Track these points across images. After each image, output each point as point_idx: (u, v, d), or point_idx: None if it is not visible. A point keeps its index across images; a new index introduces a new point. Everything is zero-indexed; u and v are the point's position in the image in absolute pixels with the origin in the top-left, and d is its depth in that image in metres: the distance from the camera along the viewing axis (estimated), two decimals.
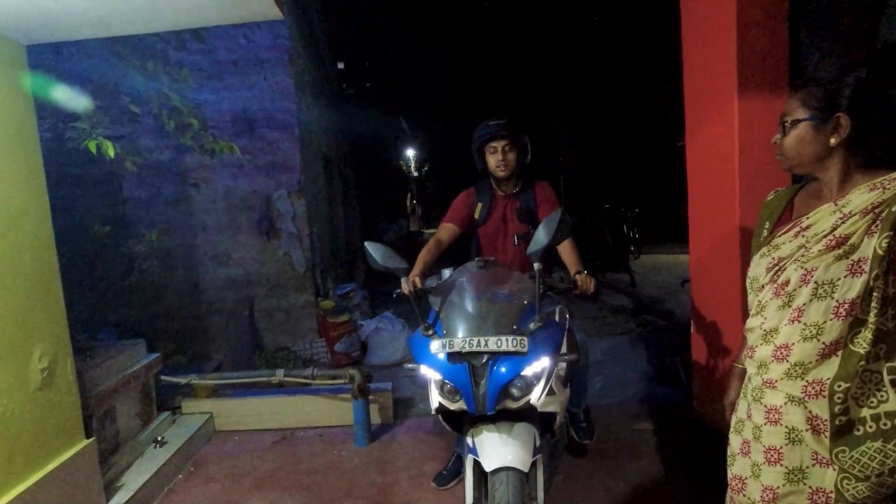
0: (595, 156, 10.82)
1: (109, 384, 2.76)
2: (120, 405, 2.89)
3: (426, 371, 1.73)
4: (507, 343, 1.60)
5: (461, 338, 1.64)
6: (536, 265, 1.71)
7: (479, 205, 2.50)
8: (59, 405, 2.24)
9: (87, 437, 2.41)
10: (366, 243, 1.91)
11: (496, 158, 2.39)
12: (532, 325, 1.67)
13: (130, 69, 2.67)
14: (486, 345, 1.60)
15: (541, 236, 1.68)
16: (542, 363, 1.66)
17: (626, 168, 13.07)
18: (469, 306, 1.74)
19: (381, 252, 1.87)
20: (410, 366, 1.84)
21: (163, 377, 3.36)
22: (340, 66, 9.20)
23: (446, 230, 2.47)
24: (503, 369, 1.61)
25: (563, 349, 1.84)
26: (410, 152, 23.35)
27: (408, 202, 21.80)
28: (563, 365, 1.87)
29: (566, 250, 2.27)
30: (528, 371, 1.63)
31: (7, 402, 1.97)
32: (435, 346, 1.66)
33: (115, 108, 3.11)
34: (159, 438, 3.07)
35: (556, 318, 1.94)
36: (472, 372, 1.61)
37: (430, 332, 1.74)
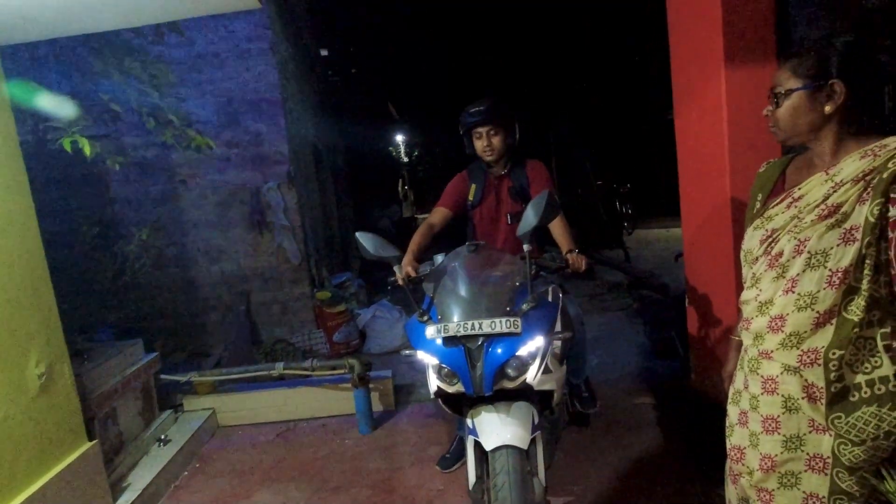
0: (587, 132, 10.77)
1: (109, 385, 2.75)
2: (121, 406, 2.89)
3: (423, 356, 1.76)
4: (500, 325, 1.62)
5: (456, 322, 1.66)
6: (526, 246, 1.73)
7: (473, 186, 2.51)
8: (60, 409, 2.24)
9: (90, 440, 2.41)
10: (357, 234, 1.91)
11: (482, 144, 2.40)
12: (525, 306, 1.69)
13: (109, 67, 2.61)
14: (480, 328, 1.63)
15: (529, 217, 1.70)
16: (536, 343, 1.68)
17: (618, 143, 13.04)
18: (462, 290, 1.76)
19: (372, 241, 1.87)
20: (408, 352, 1.86)
21: (163, 375, 3.36)
22: (324, 53, 9.04)
23: (438, 214, 2.48)
24: (498, 350, 1.64)
25: (558, 327, 1.86)
26: (400, 138, 23.16)
27: (400, 188, 21.70)
28: (558, 343, 1.90)
29: (557, 229, 2.25)
30: (523, 351, 1.66)
31: (6, 409, 1.96)
32: (430, 331, 1.68)
33: (96, 107, 3.05)
34: (163, 437, 3.08)
35: (549, 298, 1.95)
36: (468, 355, 1.65)
37: (426, 317, 1.76)
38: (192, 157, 4.40)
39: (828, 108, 1.18)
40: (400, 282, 1.95)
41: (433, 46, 10.85)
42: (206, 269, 4.82)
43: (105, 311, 3.29)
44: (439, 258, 2.18)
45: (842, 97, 1.16)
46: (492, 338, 1.65)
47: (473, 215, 2.56)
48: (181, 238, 4.74)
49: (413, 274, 2.04)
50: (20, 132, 2.22)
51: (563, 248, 2.20)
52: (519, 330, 1.63)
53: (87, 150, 2.26)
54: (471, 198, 2.51)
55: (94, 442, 2.42)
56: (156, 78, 2.79)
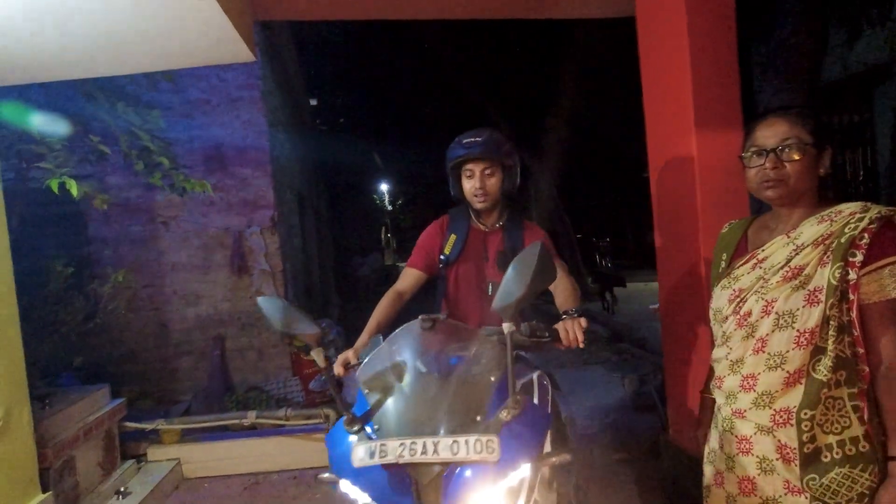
0: (564, 186, 11.09)
1: (69, 433, 2.63)
2: (80, 455, 2.74)
3: (348, 489, 1.21)
4: (467, 447, 1.12)
5: (400, 439, 1.14)
6: (507, 326, 1.20)
7: (453, 237, 1.97)
8: (14, 458, 2.12)
9: (44, 492, 2.28)
10: (259, 300, 1.37)
11: (473, 185, 1.86)
12: (504, 414, 1.18)
13: (99, 109, 2.65)
14: (436, 450, 1.12)
15: (511, 283, 1.19)
16: (520, 473, 1.18)
17: (597, 198, 13.40)
18: (412, 389, 1.25)
19: (280, 311, 1.32)
20: (326, 475, 1.30)
21: (127, 423, 3.22)
22: (313, 102, 9.29)
23: (408, 278, 1.96)
24: (464, 487, 1.12)
25: (548, 445, 1.40)
26: (384, 186, 23.51)
27: (382, 236, 21.79)
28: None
29: (558, 285, 1.72)
30: (502, 485, 1.14)
31: None
32: (360, 452, 1.15)
33: (82, 148, 3.07)
34: (122, 489, 2.91)
35: (536, 396, 1.50)
36: (416, 492, 1.14)
37: (356, 427, 1.22)
38: (175, 199, 4.40)
39: (822, 172, 1.25)
40: (338, 373, 1.55)
41: (420, 96, 11.21)
42: (181, 312, 4.72)
43: (72, 353, 3.18)
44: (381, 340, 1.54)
45: (829, 163, 1.24)
46: (454, 465, 1.14)
47: (447, 275, 1.98)
48: (158, 280, 4.66)
49: (354, 361, 1.58)
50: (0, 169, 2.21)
51: (561, 309, 1.67)
52: (495, 454, 1.12)
53: (75, 192, 2.26)
54: (447, 251, 1.95)
55: (48, 494, 2.29)
56: (147, 122, 2.84)
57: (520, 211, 2.07)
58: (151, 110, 2.95)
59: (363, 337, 1.75)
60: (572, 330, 1.45)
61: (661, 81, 2.71)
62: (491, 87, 9.74)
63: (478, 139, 1.85)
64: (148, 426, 3.27)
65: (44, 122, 2.44)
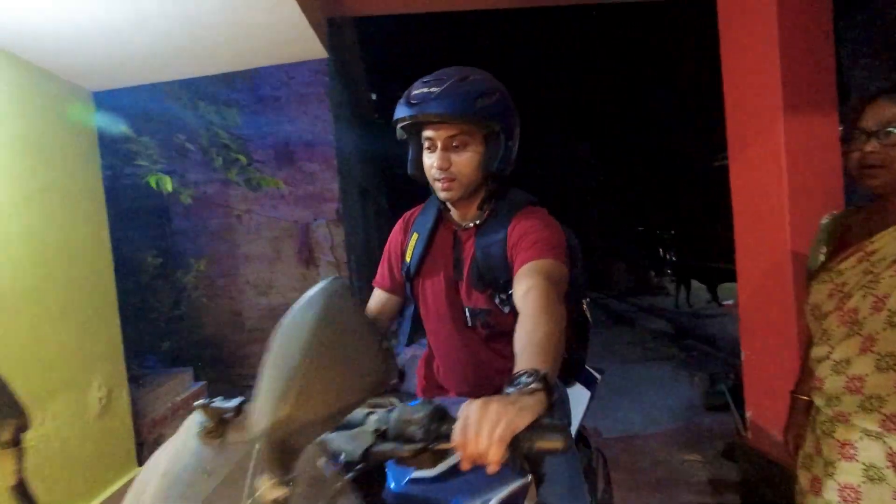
0: (627, 178, 10.75)
1: (159, 411, 2.83)
2: (169, 433, 2.95)
3: None
4: None
5: None
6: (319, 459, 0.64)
7: (415, 237, 1.32)
8: (115, 433, 2.31)
9: (139, 465, 2.47)
10: None
11: (433, 162, 1.18)
12: None
13: (184, 109, 2.82)
14: None
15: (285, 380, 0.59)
16: None
17: (662, 189, 12.90)
18: None
19: None
20: None
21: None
22: (374, 96, 9.46)
23: (374, 301, 1.41)
24: None
25: None
26: None
27: None
28: None
29: (530, 322, 0.93)
30: None
31: (69, 429, 2.04)
32: None
33: (168, 146, 3.28)
34: None
35: None
36: None
37: None
38: (248, 193, 4.62)
39: None
40: None
41: None
42: (253, 301, 4.96)
43: (158, 338, 3.43)
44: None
45: None
46: None
47: (415, 294, 1.35)
48: (232, 270, 4.92)
49: None
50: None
51: (517, 365, 0.83)
52: None
53: (169, 187, 2.42)
54: (407, 258, 1.32)
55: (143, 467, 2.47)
56: (225, 120, 2.99)
57: (520, 196, 1.27)
58: (229, 108, 3.11)
59: None
60: (486, 439, 0.64)
61: (743, 60, 2.55)
62: (547, 75, 9.58)
63: (434, 89, 1.12)
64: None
65: (137, 123, 2.62)
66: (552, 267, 1.06)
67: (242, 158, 3.03)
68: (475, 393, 0.82)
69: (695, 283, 9.47)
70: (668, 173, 13.05)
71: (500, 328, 1.22)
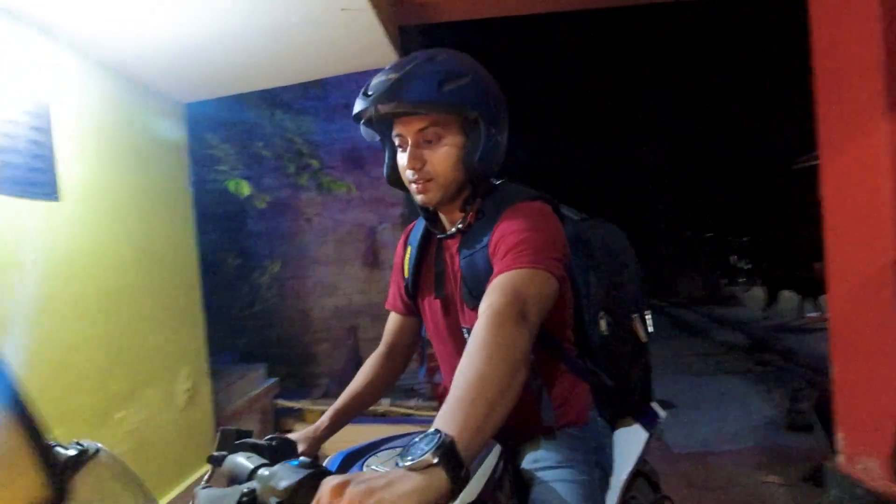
0: (695, 182, 10.27)
1: (236, 405, 2.98)
2: (245, 424, 3.10)
3: None
4: None
5: None
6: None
7: (409, 250, 1.19)
8: (199, 423, 2.46)
9: None
10: None
11: (404, 163, 1.02)
12: None
13: (262, 118, 2.97)
14: None
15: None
16: None
17: (735, 194, 12.25)
18: None
19: None
20: None
21: (279, 400, 3.57)
22: None
23: (390, 326, 1.30)
24: None
25: None
26: None
27: None
28: None
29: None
30: None
31: (160, 418, 2.19)
32: None
33: (244, 153, 3.47)
34: None
35: None
36: None
37: None
38: (316, 197, 4.79)
39: None
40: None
41: (545, 92, 11.02)
42: (320, 302, 5.13)
43: (235, 335, 3.62)
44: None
45: None
46: None
47: (418, 311, 1.22)
48: (301, 272, 5.11)
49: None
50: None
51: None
52: None
53: (246, 191, 2.56)
54: (406, 275, 1.20)
55: None
56: (299, 127, 3.12)
57: (513, 190, 1.08)
58: (303, 116, 3.24)
59: (326, 416, 1.18)
60: None
61: (839, 56, 2.38)
62: (609, 79, 9.34)
63: (392, 76, 0.95)
64: (296, 405, 3.59)
65: (219, 130, 2.78)
66: (528, 279, 0.85)
67: (315, 163, 3.14)
68: None
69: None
70: (741, 177, 12.38)
71: None
